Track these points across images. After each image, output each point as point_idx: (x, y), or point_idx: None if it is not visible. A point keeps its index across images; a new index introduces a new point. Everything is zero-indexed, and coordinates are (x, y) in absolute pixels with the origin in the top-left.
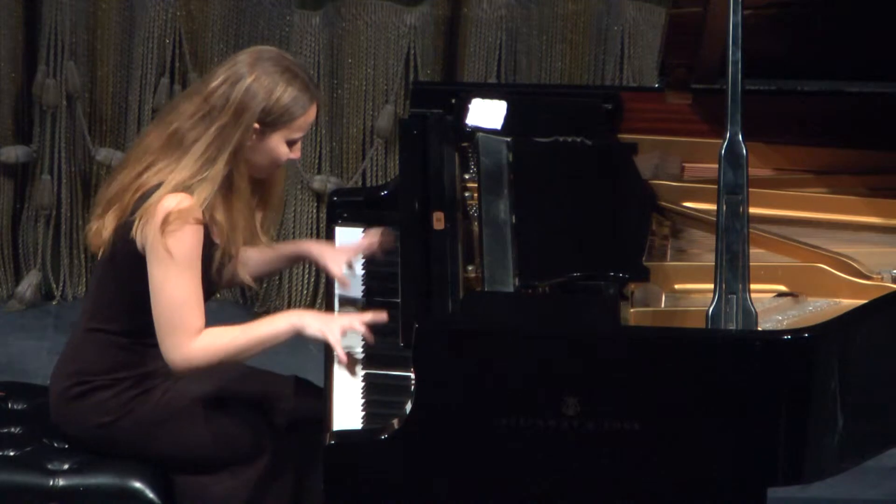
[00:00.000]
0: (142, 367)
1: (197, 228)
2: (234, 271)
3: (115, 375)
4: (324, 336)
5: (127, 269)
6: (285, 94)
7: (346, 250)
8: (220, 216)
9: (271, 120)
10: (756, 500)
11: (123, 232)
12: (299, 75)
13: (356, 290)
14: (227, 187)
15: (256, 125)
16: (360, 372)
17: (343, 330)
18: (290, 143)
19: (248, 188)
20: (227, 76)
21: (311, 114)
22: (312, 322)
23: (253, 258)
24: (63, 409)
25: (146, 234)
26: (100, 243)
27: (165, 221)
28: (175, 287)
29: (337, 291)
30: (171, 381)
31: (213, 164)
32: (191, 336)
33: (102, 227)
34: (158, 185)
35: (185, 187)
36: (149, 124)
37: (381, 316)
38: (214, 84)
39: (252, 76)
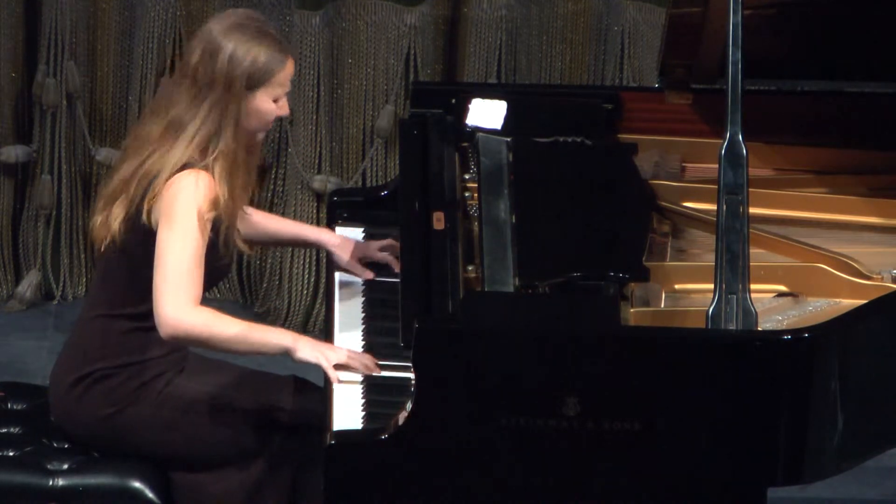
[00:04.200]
0: (144, 352)
1: (208, 199)
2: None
3: (118, 361)
4: (317, 361)
5: (139, 257)
6: (261, 53)
7: (363, 248)
8: (222, 190)
9: (254, 82)
10: (756, 500)
11: (134, 221)
12: (270, 33)
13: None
14: (230, 162)
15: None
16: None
17: (337, 361)
18: (275, 101)
19: (246, 159)
20: (205, 49)
21: (289, 67)
22: (306, 347)
23: (260, 224)
24: (65, 403)
25: (162, 205)
26: (106, 235)
27: (181, 190)
28: (183, 250)
29: (337, 278)
30: (171, 372)
31: (220, 140)
32: (189, 301)
33: (110, 219)
34: (164, 171)
35: (202, 165)
36: (142, 116)
37: (374, 369)
38: (195, 61)
39: (230, 45)
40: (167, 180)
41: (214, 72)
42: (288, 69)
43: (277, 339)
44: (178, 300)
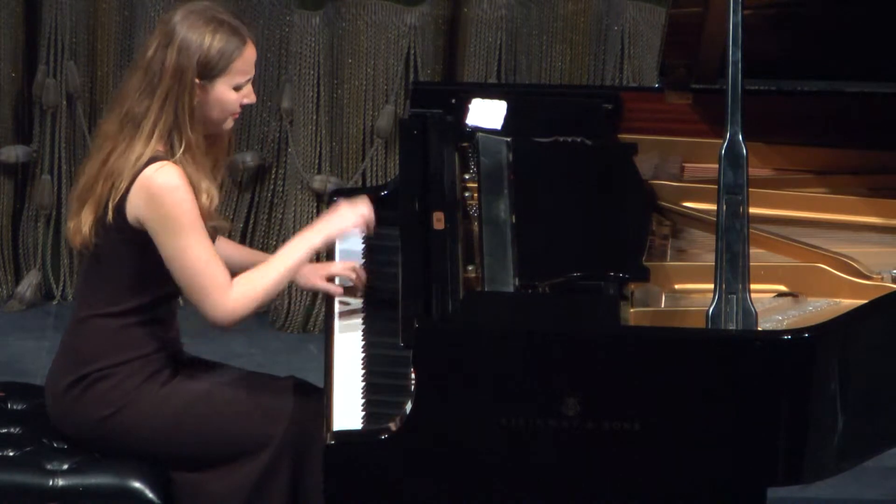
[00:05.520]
0: (139, 348)
1: (190, 192)
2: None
3: (112, 360)
4: (340, 229)
5: (116, 255)
6: (214, 41)
7: (325, 267)
8: (196, 180)
9: (209, 71)
10: (756, 500)
11: (104, 223)
12: (225, 20)
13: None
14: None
15: (197, 80)
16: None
17: (349, 226)
18: (238, 88)
19: (204, 144)
20: (159, 41)
21: (248, 54)
22: (323, 229)
23: (231, 256)
24: (62, 407)
25: (144, 214)
26: (81, 240)
27: (161, 195)
28: (196, 251)
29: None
30: (168, 370)
31: (182, 132)
32: (226, 291)
33: (81, 223)
34: (127, 167)
35: (174, 160)
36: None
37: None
38: (150, 52)
39: (181, 34)
40: (133, 177)
41: (165, 60)
42: (247, 55)
43: (303, 250)
44: (215, 300)
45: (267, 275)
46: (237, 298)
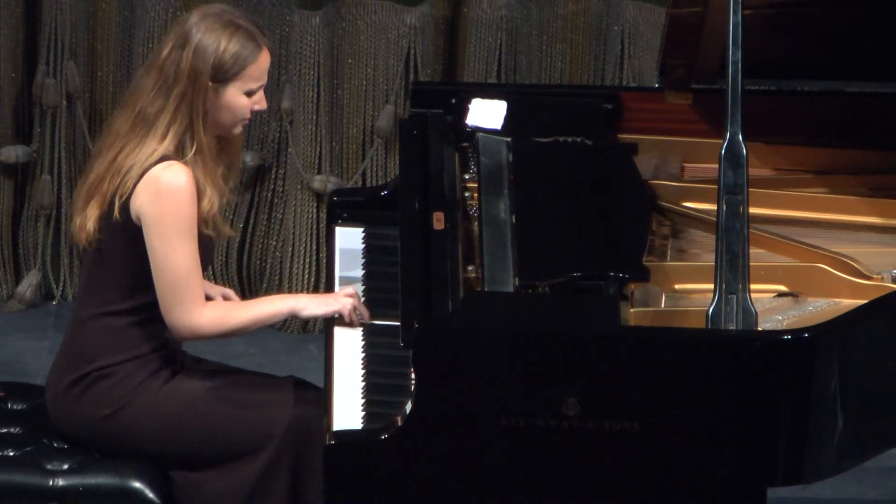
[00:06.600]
0: (139, 348)
1: (193, 197)
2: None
3: (113, 359)
4: (325, 313)
5: (120, 253)
6: (230, 45)
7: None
8: (203, 183)
9: (222, 74)
10: (756, 500)
11: (109, 219)
12: (242, 25)
13: (356, 269)
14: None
15: (210, 83)
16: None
17: (337, 312)
18: (250, 94)
19: (215, 148)
20: (175, 42)
21: (262, 61)
22: (310, 304)
23: None
24: (62, 406)
25: (144, 208)
26: (86, 236)
27: (165, 194)
28: (182, 256)
29: (337, 273)
30: (168, 370)
31: (194, 135)
32: (197, 305)
33: (86, 220)
34: (136, 165)
35: (183, 161)
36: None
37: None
38: (165, 53)
39: (197, 37)
40: (141, 175)
41: (180, 62)
42: (261, 62)
43: (285, 309)
44: (184, 310)
45: (243, 313)
46: (207, 321)
